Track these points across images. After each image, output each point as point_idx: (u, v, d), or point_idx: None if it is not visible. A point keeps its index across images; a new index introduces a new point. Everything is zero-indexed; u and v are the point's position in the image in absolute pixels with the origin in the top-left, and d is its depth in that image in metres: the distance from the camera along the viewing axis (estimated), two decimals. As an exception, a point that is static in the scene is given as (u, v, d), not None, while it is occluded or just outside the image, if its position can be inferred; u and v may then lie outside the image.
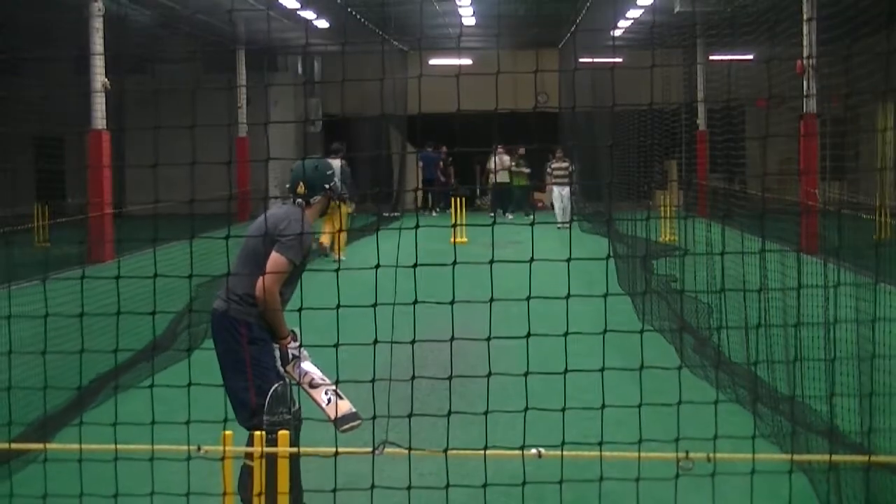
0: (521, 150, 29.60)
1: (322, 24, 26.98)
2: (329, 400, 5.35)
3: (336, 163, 19.34)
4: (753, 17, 17.43)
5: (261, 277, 5.22)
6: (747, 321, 7.53)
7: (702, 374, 8.53)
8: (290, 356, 5.39)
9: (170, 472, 4.79)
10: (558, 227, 23.78)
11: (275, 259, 5.26)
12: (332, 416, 5.30)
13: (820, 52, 17.72)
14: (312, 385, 5.36)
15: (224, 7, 22.34)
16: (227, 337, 5.31)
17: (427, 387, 5.66)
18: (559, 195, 26.10)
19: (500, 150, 29.18)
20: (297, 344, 5.45)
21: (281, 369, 5.37)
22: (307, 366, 5.44)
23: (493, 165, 30.07)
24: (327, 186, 5.59)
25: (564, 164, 26.49)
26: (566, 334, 4.55)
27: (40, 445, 5.11)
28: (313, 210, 5.58)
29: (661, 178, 25.45)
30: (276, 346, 5.38)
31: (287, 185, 5.66)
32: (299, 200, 5.54)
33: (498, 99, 4.97)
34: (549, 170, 27.02)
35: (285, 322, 5.39)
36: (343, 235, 17.84)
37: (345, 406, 5.35)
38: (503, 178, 29.70)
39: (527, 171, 29.65)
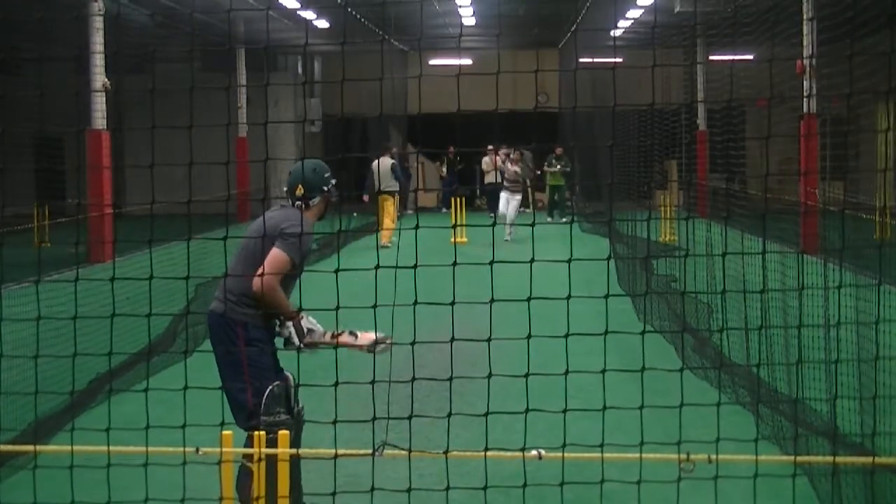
0: (559, 150, 28.71)
1: (322, 24, 26.98)
2: (356, 337, 5.39)
3: (385, 160, 20.87)
4: (753, 17, 17.41)
5: (258, 273, 5.19)
6: (747, 322, 7.52)
7: (702, 375, 8.52)
8: (305, 330, 5.39)
9: (165, 476, 4.77)
10: (506, 239, 21.37)
11: (276, 255, 5.23)
12: (366, 347, 5.35)
13: (820, 52, 17.70)
14: (335, 337, 5.38)
15: (224, 7, 22.33)
16: (224, 338, 5.30)
17: (427, 388, 5.64)
18: (505, 201, 22.56)
19: (491, 150, 29.06)
20: (304, 316, 5.47)
21: (297, 341, 5.34)
22: (319, 329, 5.47)
23: (484, 166, 29.99)
24: (326, 188, 5.57)
25: (516, 169, 23.13)
26: (567, 335, 4.53)
27: (30, 447, 5.08)
28: (312, 212, 5.56)
29: (662, 179, 25.35)
30: (289, 325, 5.34)
31: (285, 188, 5.64)
32: (298, 202, 5.52)
33: (498, 99, 4.96)
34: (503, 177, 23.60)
35: (288, 301, 5.39)
36: (392, 224, 20.06)
37: (369, 336, 5.39)
38: (490, 179, 29.54)
39: (557, 169, 28.29)
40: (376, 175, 20.91)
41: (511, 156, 23.31)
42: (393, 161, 21.18)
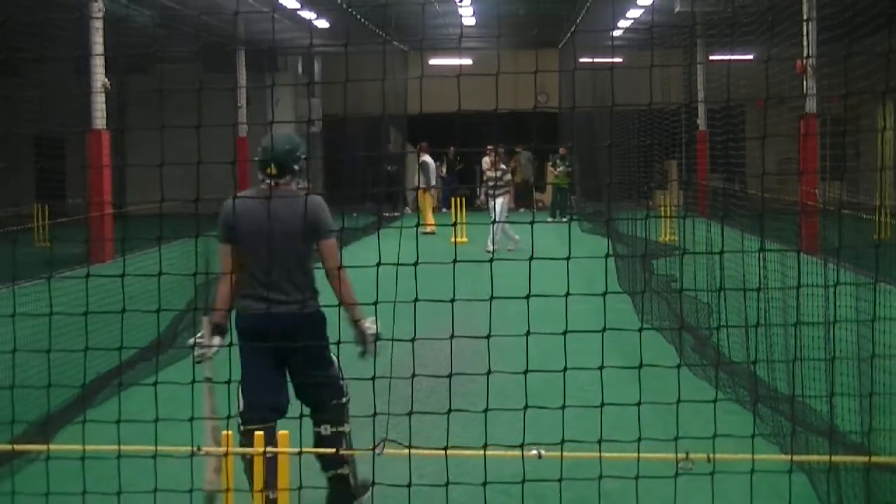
0: (563, 150, 28.58)
1: (323, 24, 26.99)
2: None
3: (429, 159, 24.12)
4: (753, 17, 17.43)
5: (333, 270, 5.27)
6: (747, 321, 7.53)
7: (701, 374, 8.53)
8: (377, 332, 5.40)
9: (173, 470, 4.80)
10: (487, 251, 18.43)
11: (334, 244, 5.35)
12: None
13: (820, 52, 17.72)
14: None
15: (224, 7, 22.36)
16: (315, 334, 5.36)
17: (427, 385, 5.67)
18: (492, 208, 20.24)
19: (490, 150, 29.07)
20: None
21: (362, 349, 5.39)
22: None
23: (484, 166, 29.98)
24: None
25: (508, 177, 21.17)
26: (565, 332, 4.55)
27: (43, 446, 5.11)
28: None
29: (661, 178, 25.33)
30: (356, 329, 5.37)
31: (289, 166, 5.48)
32: (301, 184, 5.60)
33: (498, 99, 4.98)
34: (483, 178, 21.90)
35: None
36: (430, 212, 23.54)
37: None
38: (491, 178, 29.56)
39: (559, 170, 28.23)
40: (424, 172, 24.15)
41: (488, 159, 21.59)
42: (428, 158, 24.33)
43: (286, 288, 5.32)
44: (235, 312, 5.37)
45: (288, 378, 5.48)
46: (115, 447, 4.63)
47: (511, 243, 19.56)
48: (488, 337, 4.58)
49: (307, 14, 25.44)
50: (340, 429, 5.45)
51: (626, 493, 4.88)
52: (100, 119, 19.29)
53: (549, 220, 27.78)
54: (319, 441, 5.41)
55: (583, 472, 4.94)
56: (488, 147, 29.19)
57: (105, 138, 19.28)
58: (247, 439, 5.12)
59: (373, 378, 4.54)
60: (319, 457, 5.35)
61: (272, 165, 5.40)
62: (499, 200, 19.87)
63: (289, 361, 5.41)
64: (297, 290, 5.33)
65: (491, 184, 20.40)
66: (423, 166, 24.89)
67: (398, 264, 4.68)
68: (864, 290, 5.77)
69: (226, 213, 5.39)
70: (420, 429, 5.83)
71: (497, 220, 19.10)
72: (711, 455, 4.40)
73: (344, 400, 5.48)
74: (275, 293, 5.28)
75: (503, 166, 21.32)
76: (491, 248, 18.43)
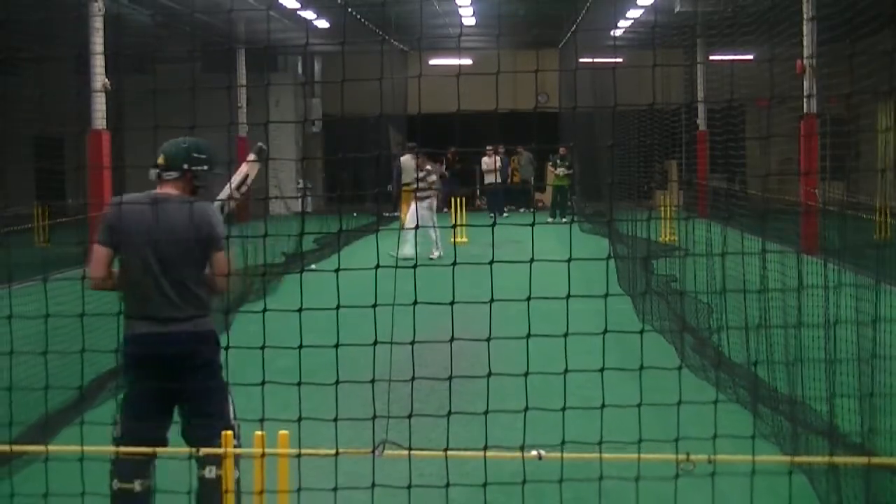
0: (563, 150, 28.53)
1: (322, 24, 26.99)
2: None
3: (407, 158, 22.22)
4: (753, 17, 17.42)
5: (214, 279, 5.03)
6: (747, 321, 7.52)
7: (702, 374, 8.52)
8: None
9: (170, 470, 4.79)
10: (431, 257, 17.97)
11: (224, 258, 5.04)
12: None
13: (820, 52, 17.72)
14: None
15: (224, 7, 22.34)
16: (205, 353, 5.01)
17: (427, 387, 5.65)
18: (424, 215, 18.30)
19: (490, 151, 29.17)
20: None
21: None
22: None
23: (484, 166, 30.08)
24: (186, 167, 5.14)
25: (433, 178, 19.89)
26: (566, 335, 4.54)
27: (42, 447, 5.10)
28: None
29: (662, 179, 25.32)
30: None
31: (178, 162, 5.11)
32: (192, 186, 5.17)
33: (498, 99, 4.97)
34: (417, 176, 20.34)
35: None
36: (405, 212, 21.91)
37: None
38: (490, 179, 29.66)
39: (559, 171, 28.20)
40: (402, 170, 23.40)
41: (418, 158, 20.21)
42: (416, 160, 23.16)
43: (180, 305, 4.91)
44: (123, 336, 5.00)
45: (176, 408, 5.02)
46: (111, 449, 4.61)
47: (434, 251, 18.68)
48: (488, 339, 4.57)
49: (307, 14, 25.44)
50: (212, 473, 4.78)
51: (626, 493, 4.87)
52: (99, 119, 19.28)
53: (549, 220, 27.77)
54: (203, 486, 4.87)
55: (583, 471, 4.93)
56: (488, 147, 29.26)
57: (105, 138, 19.27)
58: (118, 471, 4.79)
59: (372, 380, 4.54)
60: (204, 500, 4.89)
61: (161, 155, 5.07)
62: (422, 205, 18.44)
63: (179, 387, 4.92)
64: (190, 306, 4.94)
65: (414, 186, 19.32)
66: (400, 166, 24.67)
67: (396, 267, 4.67)
68: (864, 290, 5.77)
69: (111, 215, 5.01)
70: (420, 427, 5.83)
71: (420, 225, 17.40)
72: (711, 455, 4.39)
73: (235, 443, 4.77)
74: (167, 311, 4.90)
75: (428, 167, 19.87)
76: (434, 255, 18.07)
